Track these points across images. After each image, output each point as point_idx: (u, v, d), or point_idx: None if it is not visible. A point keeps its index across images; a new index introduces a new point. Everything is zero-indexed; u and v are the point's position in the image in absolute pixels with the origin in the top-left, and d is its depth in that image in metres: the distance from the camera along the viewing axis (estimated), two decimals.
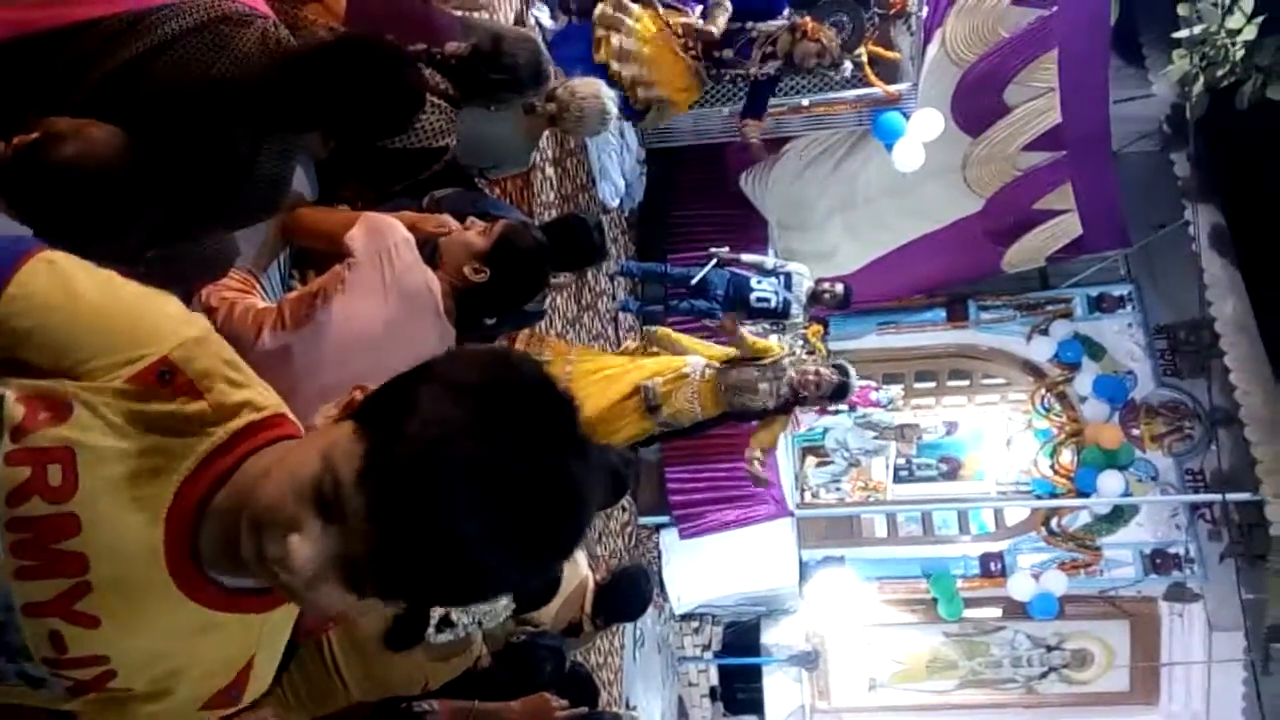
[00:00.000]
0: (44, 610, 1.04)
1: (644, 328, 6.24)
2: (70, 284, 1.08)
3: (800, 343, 9.35)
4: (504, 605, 2.61)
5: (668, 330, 6.14)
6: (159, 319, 1.11)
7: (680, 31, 5.73)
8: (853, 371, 5.77)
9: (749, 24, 5.78)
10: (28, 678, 1.08)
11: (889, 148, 7.52)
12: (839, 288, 7.06)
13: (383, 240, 2.61)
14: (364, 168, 3.10)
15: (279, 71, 2.03)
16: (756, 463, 5.74)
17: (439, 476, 0.92)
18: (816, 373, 5.59)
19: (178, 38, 1.98)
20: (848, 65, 5.67)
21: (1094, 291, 9.77)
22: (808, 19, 5.76)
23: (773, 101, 7.60)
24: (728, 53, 5.73)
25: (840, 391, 5.64)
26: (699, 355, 5.69)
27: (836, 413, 9.88)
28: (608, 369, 5.61)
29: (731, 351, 5.70)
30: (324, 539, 0.95)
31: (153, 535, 1.05)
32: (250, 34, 2.03)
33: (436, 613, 2.50)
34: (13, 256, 1.07)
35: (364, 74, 2.05)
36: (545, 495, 0.97)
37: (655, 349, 5.84)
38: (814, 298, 7.02)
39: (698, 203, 8.92)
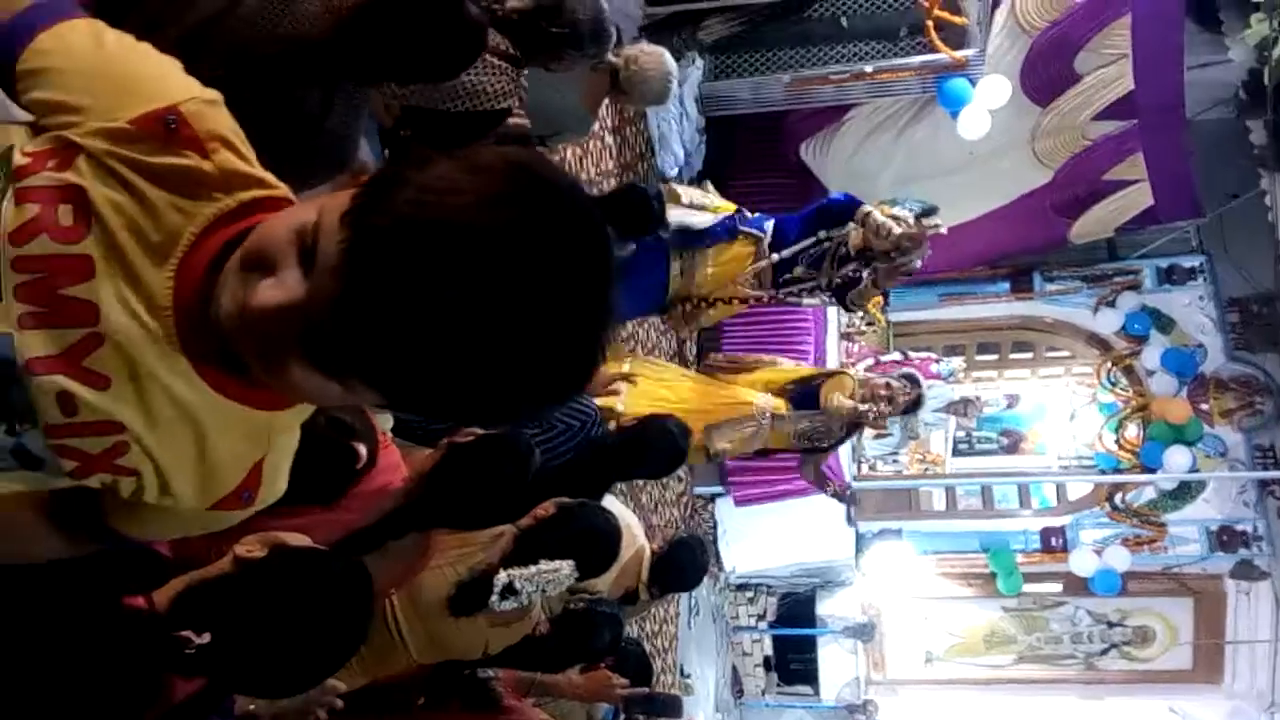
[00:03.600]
0: (51, 366, 0.95)
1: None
2: (101, 35, 1.05)
3: (860, 314, 9.28)
4: (567, 573, 2.62)
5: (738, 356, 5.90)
6: (177, 77, 1.07)
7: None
8: (922, 380, 5.64)
9: (820, 234, 5.23)
10: (25, 455, 0.99)
11: (954, 115, 7.37)
12: None
13: None
14: (428, 132, 3.11)
15: (344, 24, 2.05)
16: None
17: (426, 226, 0.81)
18: (888, 387, 5.41)
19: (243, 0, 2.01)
20: (923, 248, 5.23)
21: (1164, 263, 9.57)
22: (867, 207, 5.18)
23: (834, 68, 7.51)
24: (798, 270, 5.22)
25: (915, 405, 5.49)
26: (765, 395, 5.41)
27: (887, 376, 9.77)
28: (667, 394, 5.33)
29: (802, 371, 5.61)
30: (296, 287, 0.87)
31: (163, 290, 0.98)
32: None
33: (500, 581, 2.52)
34: (64, 9, 1.05)
35: (423, 11, 2.06)
36: (558, 281, 0.83)
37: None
38: None
39: (757, 172, 8.82)
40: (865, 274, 5.14)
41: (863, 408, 5.24)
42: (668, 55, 4.18)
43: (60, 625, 1.36)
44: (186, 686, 1.48)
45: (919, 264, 5.20)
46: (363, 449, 1.84)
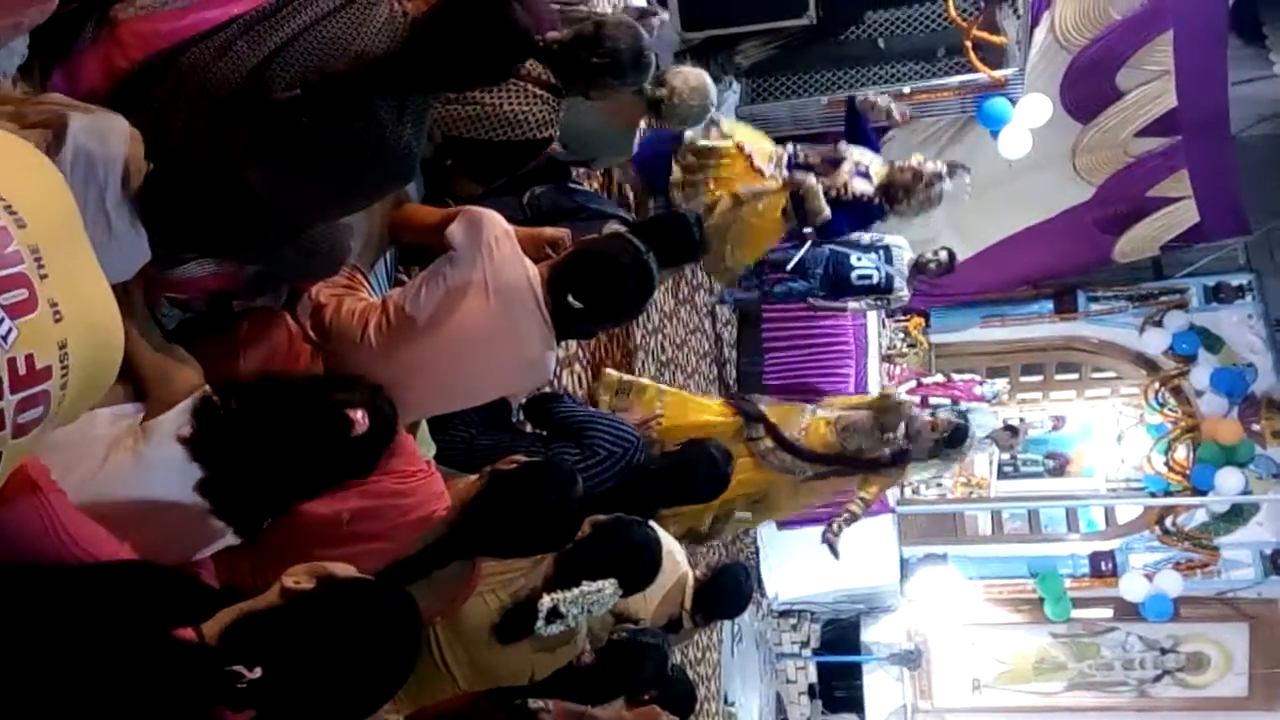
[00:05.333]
0: None
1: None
2: None
3: (901, 335, 9.22)
4: (610, 591, 2.60)
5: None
6: None
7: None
8: (973, 420, 5.52)
9: (840, 144, 5.51)
10: None
11: (994, 134, 7.33)
12: (943, 254, 6.82)
13: (481, 234, 2.63)
14: (470, 162, 3.12)
15: (411, 36, 2.15)
16: (841, 524, 5.57)
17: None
18: (933, 415, 5.35)
19: (316, 23, 2.11)
20: (946, 183, 5.36)
21: (1211, 281, 9.43)
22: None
23: (875, 90, 7.48)
24: (812, 158, 5.36)
25: (957, 435, 5.29)
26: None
27: (937, 409, 9.70)
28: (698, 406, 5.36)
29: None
30: None
31: None
32: (380, 11, 2.17)
33: (545, 605, 2.50)
34: None
35: (476, 16, 2.18)
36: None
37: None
38: (918, 268, 6.82)
39: None
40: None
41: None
42: (705, 77, 4.17)
43: (109, 656, 1.36)
44: (236, 719, 1.48)
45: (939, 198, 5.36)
46: (358, 414, 1.83)
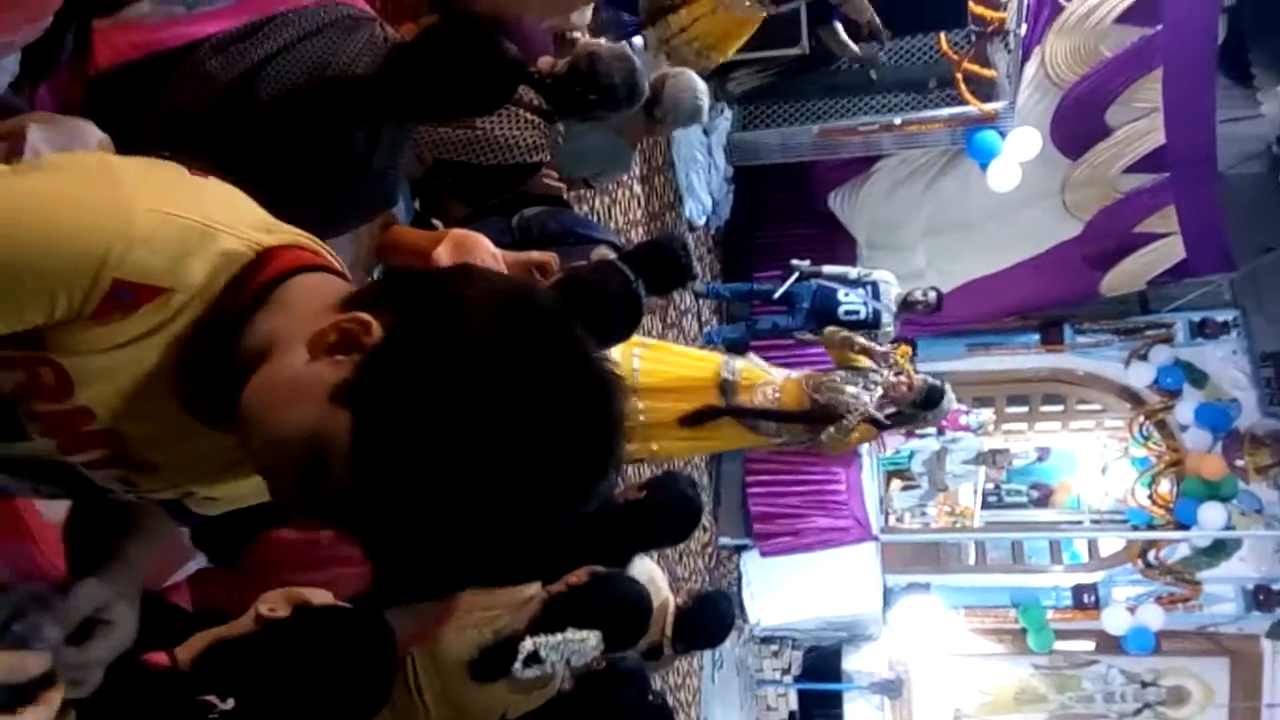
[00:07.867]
0: (100, 464, 1.03)
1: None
2: None
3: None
4: (594, 644, 2.58)
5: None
6: (78, 236, 0.89)
7: None
8: (948, 385, 5.53)
9: None
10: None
11: (984, 167, 7.37)
12: (931, 294, 6.90)
13: (469, 256, 2.62)
14: (459, 185, 3.12)
15: (391, 62, 2.11)
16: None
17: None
18: (908, 376, 5.37)
19: (293, 44, 2.08)
20: None
21: (1197, 316, 9.45)
22: None
23: (863, 120, 7.53)
24: None
25: (932, 397, 5.36)
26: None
27: (924, 436, 9.72)
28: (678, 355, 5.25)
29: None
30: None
31: (167, 405, 0.99)
32: (361, 35, 2.14)
33: (525, 648, 2.48)
34: None
35: (463, 48, 2.14)
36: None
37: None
38: (906, 305, 6.86)
39: (784, 221, 8.85)
40: None
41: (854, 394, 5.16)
42: (693, 74, 4.12)
43: None
44: None
45: None
46: None
